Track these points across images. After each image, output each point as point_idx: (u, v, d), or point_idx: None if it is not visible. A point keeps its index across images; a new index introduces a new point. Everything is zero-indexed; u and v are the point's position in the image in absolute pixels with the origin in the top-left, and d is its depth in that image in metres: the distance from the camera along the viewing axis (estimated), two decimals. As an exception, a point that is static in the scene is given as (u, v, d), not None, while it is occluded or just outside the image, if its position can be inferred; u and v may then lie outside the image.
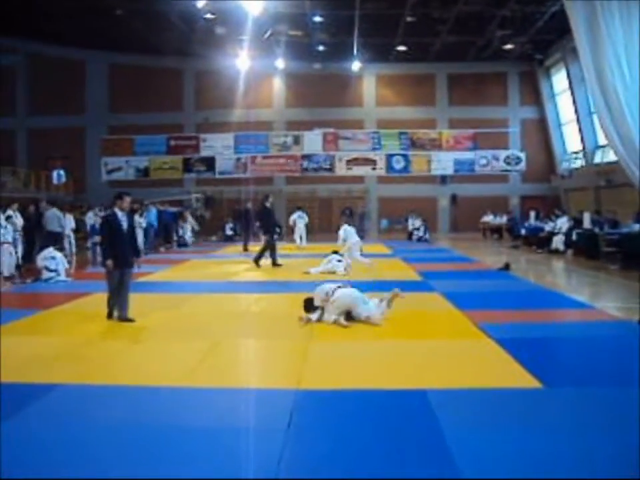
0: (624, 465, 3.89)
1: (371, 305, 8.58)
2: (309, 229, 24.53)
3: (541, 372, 5.88)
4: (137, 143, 31.29)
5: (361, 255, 15.22)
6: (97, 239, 18.41)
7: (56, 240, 17.03)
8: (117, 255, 8.60)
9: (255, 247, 20.76)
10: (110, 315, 8.83)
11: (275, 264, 15.88)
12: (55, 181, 27.35)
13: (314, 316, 8.56)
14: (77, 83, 33.06)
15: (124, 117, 32.43)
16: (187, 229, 25.80)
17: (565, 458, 4.02)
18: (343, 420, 4.76)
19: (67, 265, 13.93)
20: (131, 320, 8.62)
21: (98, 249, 18.51)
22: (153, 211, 22.62)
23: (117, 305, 8.75)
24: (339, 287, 8.68)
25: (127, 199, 8.82)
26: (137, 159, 31.14)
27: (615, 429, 4.48)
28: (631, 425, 4.46)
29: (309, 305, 8.75)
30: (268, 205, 16.31)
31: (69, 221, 18.92)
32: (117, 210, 8.77)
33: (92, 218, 20.95)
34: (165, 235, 24.32)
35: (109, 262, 8.58)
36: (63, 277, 13.35)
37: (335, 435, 4.45)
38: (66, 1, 22.92)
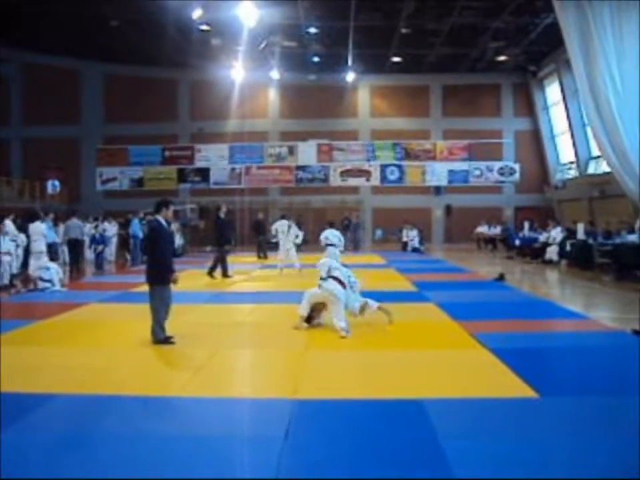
0: (619, 472, 3.92)
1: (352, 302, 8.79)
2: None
3: (537, 381, 5.91)
4: (131, 153, 31.32)
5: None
6: (100, 248, 19.67)
7: (76, 247, 17.83)
8: (166, 269, 7.86)
9: (272, 257, 20.97)
10: (166, 340, 7.88)
11: (224, 275, 15.81)
12: (49, 190, 27.29)
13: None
14: (72, 93, 33.08)
15: (119, 127, 32.46)
16: (179, 239, 25.75)
17: (561, 466, 4.04)
18: (340, 429, 4.77)
19: (61, 275, 13.89)
20: (172, 341, 7.91)
21: (100, 257, 19.17)
22: (135, 221, 22.50)
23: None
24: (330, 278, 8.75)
25: (172, 208, 8.37)
26: (131, 169, 31.17)
27: (611, 438, 4.50)
28: (626, 433, 4.49)
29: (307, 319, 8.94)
30: (222, 215, 16.23)
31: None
32: (161, 219, 8.14)
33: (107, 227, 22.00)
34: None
35: (176, 275, 7.84)
36: (57, 287, 13.33)
37: (332, 444, 4.46)
38: (61, 11, 22.96)
